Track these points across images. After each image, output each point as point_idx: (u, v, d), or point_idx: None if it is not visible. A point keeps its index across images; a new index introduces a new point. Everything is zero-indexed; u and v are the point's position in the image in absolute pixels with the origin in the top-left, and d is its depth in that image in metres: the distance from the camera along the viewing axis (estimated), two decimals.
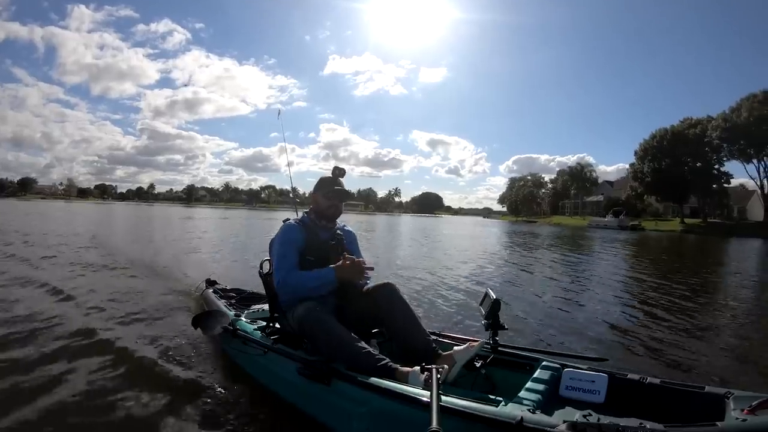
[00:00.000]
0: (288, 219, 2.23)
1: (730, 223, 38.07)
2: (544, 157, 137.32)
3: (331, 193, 2.15)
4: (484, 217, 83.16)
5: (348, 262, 1.96)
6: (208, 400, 2.03)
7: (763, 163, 37.49)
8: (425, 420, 1.13)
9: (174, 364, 2.39)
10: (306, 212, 2.25)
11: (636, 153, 44.12)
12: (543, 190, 73.15)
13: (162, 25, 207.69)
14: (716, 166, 39.69)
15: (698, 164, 39.48)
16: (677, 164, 39.63)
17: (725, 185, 40.65)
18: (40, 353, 2.47)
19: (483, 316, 1.98)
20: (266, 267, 2.25)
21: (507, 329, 1.98)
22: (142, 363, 2.40)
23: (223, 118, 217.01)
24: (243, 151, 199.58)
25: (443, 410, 1.26)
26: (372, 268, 2.05)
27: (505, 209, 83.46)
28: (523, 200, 75.43)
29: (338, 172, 2.21)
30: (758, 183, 38.62)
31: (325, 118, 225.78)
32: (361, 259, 2.03)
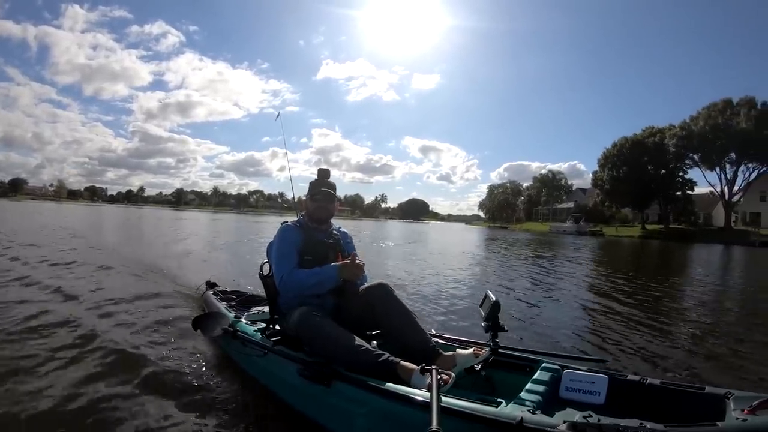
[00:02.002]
0: (286, 221, 2.27)
1: (692, 229, 38.81)
2: (535, 165, 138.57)
3: (318, 195, 2.21)
4: (466, 223, 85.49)
5: (350, 260, 1.99)
6: (209, 402, 2.02)
7: (724, 171, 38.35)
8: (425, 420, 1.14)
9: (174, 366, 2.39)
10: (302, 215, 2.31)
11: (598, 161, 45.10)
12: (521, 198, 75.00)
13: (156, 27, 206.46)
14: (680, 174, 40.53)
15: (662, 172, 40.22)
16: (636, 172, 40.29)
17: (689, 192, 41.41)
18: (37, 354, 2.46)
19: (483, 318, 1.99)
20: (266, 269, 2.26)
21: (507, 330, 1.98)
22: (141, 364, 2.39)
23: (216, 122, 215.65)
24: (235, 155, 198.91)
25: (443, 411, 1.26)
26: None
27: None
28: (498, 207, 78.56)
29: (323, 173, 2.28)
30: (718, 190, 39.56)
31: (317, 123, 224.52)
32: (358, 259, 2.06)
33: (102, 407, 1.91)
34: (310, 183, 2.28)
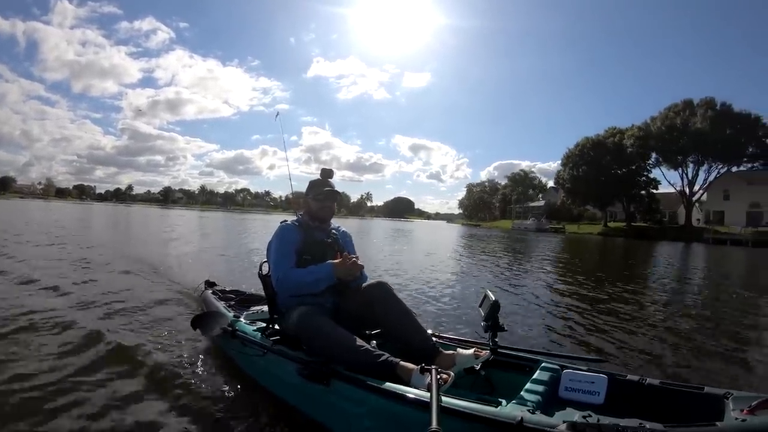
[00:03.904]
0: (285, 220, 2.27)
1: (653, 226, 39.65)
2: (525, 164, 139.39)
3: (321, 195, 2.21)
4: (447, 221, 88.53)
5: (346, 260, 1.98)
6: (208, 402, 2.02)
7: (686, 170, 39.30)
8: (425, 420, 1.14)
9: (173, 365, 2.38)
10: (301, 214, 2.30)
11: (561, 160, 45.96)
12: (497, 196, 76.35)
13: (146, 23, 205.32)
14: (644, 173, 41.29)
15: (624, 170, 40.89)
16: (596, 171, 40.97)
17: (653, 191, 42.16)
18: (33, 352, 2.46)
19: (482, 318, 1.99)
20: (265, 268, 2.26)
21: (506, 330, 1.98)
22: (140, 364, 2.39)
23: (206, 120, 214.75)
24: (224, 153, 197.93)
25: (443, 411, 1.27)
26: (362, 266, 2.07)
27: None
28: (474, 205, 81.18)
29: (326, 174, 2.29)
30: (678, 189, 40.44)
31: (307, 122, 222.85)
32: (356, 257, 2.05)
33: (100, 406, 1.91)
34: (311, 182, 2.27)
